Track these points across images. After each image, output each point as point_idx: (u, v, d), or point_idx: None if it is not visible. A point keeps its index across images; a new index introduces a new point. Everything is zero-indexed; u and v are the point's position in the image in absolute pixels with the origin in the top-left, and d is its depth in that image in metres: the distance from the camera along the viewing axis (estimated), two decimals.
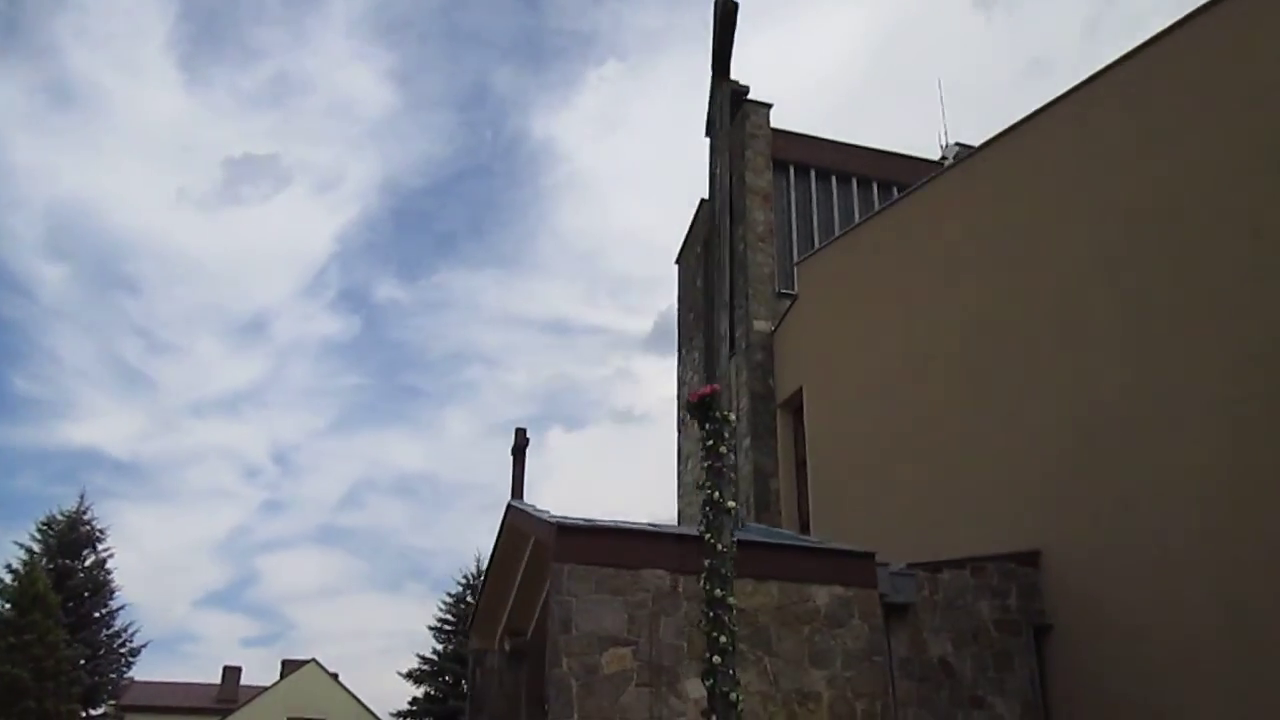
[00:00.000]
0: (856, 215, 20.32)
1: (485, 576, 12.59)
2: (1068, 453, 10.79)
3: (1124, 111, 10.78)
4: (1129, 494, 9.98)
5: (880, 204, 20.56)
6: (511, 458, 11.84)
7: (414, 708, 29.61)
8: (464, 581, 31.00)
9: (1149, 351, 10.01)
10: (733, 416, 7.13)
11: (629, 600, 8.71)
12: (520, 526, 11.27)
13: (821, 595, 9.41)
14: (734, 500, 6.88)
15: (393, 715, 30.27)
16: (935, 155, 21.63)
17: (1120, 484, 10.10)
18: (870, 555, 9.73)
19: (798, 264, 18.53)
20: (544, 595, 12.24)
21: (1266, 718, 8.32)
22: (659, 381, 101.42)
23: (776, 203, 19.88)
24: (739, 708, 6.38)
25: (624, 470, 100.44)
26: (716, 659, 6.48)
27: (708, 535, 6.87)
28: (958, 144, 21.50)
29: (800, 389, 17.41)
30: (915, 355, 14.09)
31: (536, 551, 11.37)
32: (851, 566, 9.63)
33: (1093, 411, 10.50)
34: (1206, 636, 8.95)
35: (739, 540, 9.42)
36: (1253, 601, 8.62)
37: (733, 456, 6.91)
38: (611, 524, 8.98)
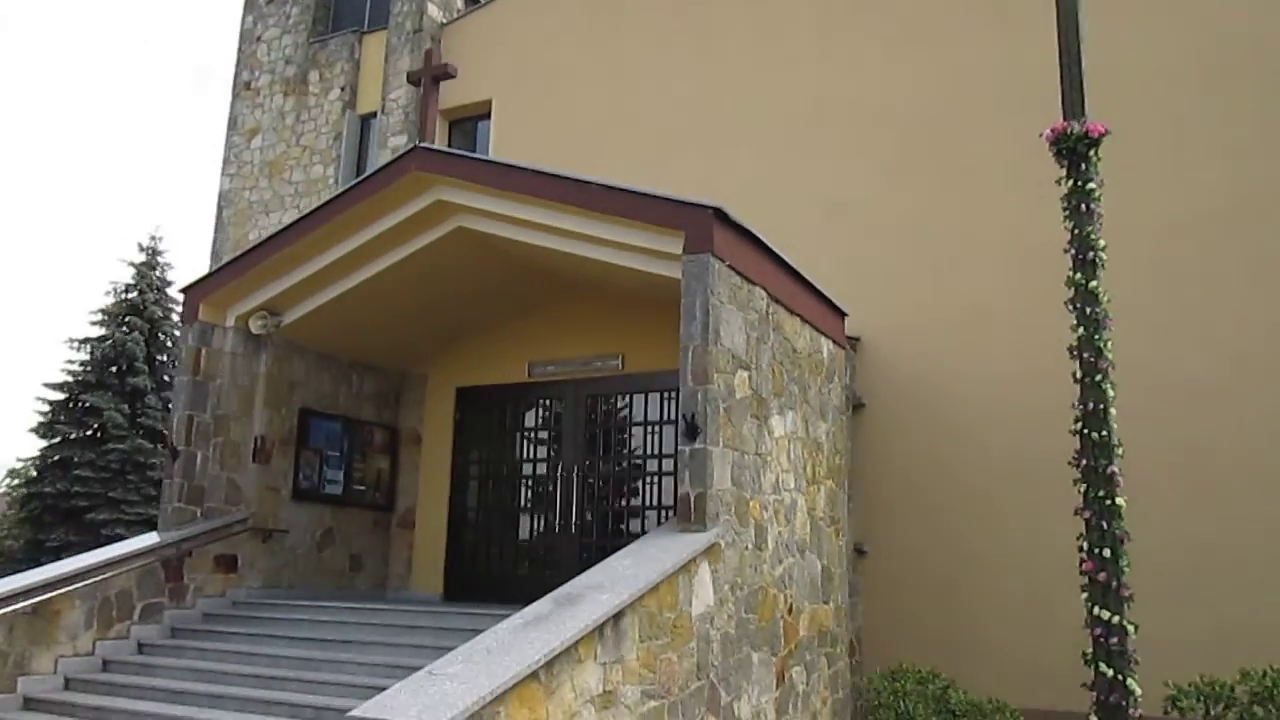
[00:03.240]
0: None
1: (276, 234, 8.96)
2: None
3: None
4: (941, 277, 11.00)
5: None
6: (420, 87, 8.53)
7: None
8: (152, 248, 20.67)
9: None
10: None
11: (746, 319, 7.32)
12: (419, 176, 8.33)
13: (824, 347, 9.01)
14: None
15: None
16: None
17: (932, 271, 11.00)
18: (844, 314, 9.54)
19: None
20: (361, 276, 9.32)
21: (1034, 466, 9.76)
22: None
23: None
24: (1116, 452, 6.02)
25: None
26: (1094, 404, 6.02)
27: (1089, 283, 6.24)
28: None
29: (488, 102, 15.33)
30: (678, 109, 13.47)
31: (430, 215, 8.59)
32: (836, 322, 9.34)
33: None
34: (989, 408, 10.37)
35: (787, 265, 8.43)
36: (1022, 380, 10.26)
37: None
38: (745, 224, 7.30)
